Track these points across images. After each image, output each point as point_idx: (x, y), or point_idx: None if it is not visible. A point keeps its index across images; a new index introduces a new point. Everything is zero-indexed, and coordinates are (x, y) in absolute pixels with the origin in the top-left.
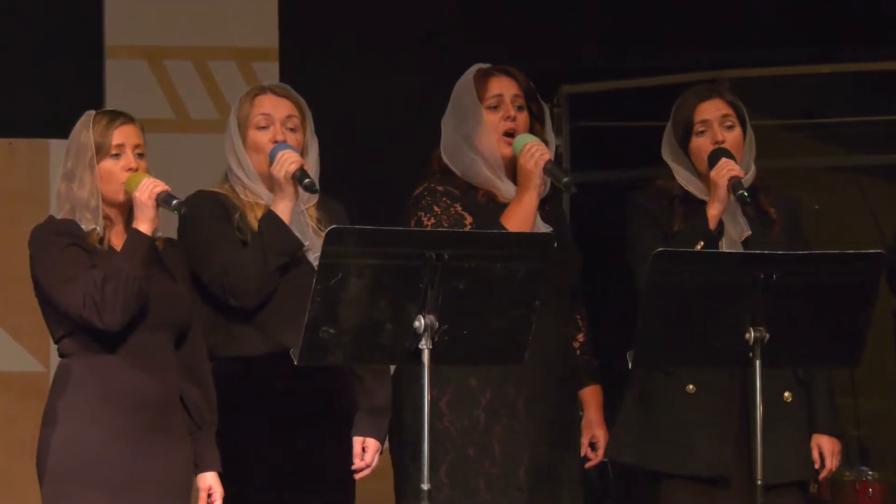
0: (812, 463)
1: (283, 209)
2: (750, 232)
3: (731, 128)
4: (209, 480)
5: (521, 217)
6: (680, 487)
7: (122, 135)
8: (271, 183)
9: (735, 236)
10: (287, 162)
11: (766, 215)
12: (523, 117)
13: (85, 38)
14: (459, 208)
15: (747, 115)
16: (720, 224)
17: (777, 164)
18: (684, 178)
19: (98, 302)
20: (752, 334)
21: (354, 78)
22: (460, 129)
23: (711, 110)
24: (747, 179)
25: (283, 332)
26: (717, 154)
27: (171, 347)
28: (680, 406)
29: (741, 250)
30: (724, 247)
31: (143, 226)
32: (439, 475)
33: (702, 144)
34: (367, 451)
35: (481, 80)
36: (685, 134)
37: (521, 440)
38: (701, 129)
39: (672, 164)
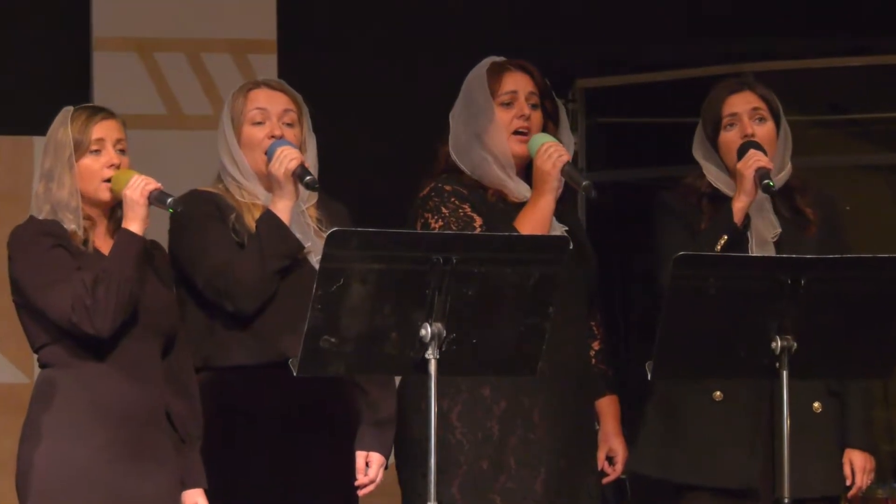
0: (843, 478)
1: (282, 209)
2: (780, 230)
3: (762, 121)
4: (195, 497)
5: (537, 221)
6: (704, 500)
7: (102, 130)
8: (268, 182)
9: (766, 236)
10: (287, 158)
11: (802, 216)
12: (537, 116)
13: (71, 29)
14: (469, 209)
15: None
16: (747, 221)
17: (805, 162)
18: (714, 176)
19: (89, 306)
20: (779, 343)
21: (356, 71)
22: (471, 126)
23: (741, 103)
24: (782, 177)
25: (283, 339)
26: (746, 146)
27: (159, 357)
28: (706, 414)
29: (772, 251)
30: (755, 247)
31: (135, 225)
32: (452, 490)
33: (730, 139)
34: (371, 466)
35: (495, 74)
36: (714, 129)
37: (537, 452)
38: (729, 122)
39: (702, 162)
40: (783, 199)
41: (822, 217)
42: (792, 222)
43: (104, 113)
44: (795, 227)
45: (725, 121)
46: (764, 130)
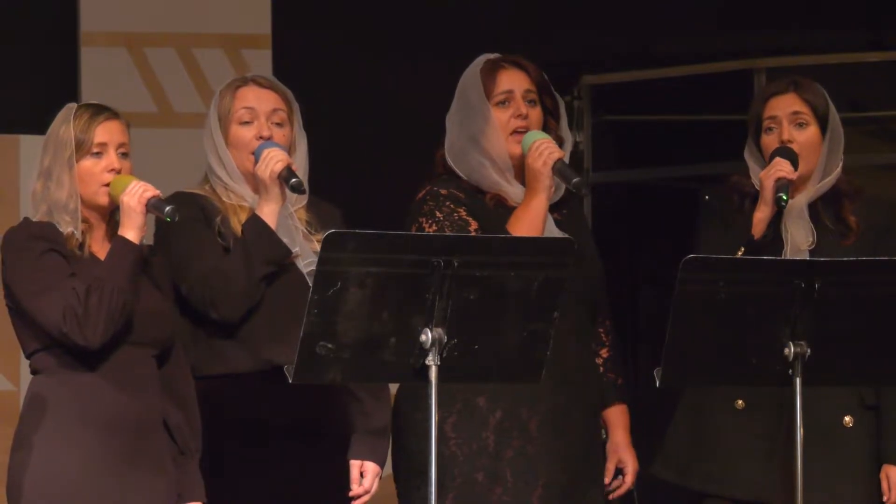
0: (877, 494)
1: (269, 213)
2: (812, 239)
3: (802, 126)
4: None
5: (529, 222)
6: None
7: (106, 132)
8: (256, 183)
9: (801, 245)
10: (273, 161)
11: (844, 224)
12: (536, 114)
13: (58, 23)
14: (464, 213)
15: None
16: (772, 229)
17: None
18: (757, 178)
19: (80, 316)
20: (792, 349)
21: (353, 68)
22: (466, 129)
23: (782, 106)
24: (827, 182)
25: (270, 347)
26: (775, 154)
27: (153, 366)
28: (728, 423)
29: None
30: (789, 255)
31: (131, 233)
32: (446, 503)
33: (769, 143)
34: (365, 476)
35: (489, 73)
36: (756, 130)
37: (534, 465)
38: (769, 125)
39: (749, 163)
40: (828, 205)
41: (868, 225)
42: (832, 231)
43: (108, 113)
44: (835, 236)
45: (765, 123)
46: (804, 136)
